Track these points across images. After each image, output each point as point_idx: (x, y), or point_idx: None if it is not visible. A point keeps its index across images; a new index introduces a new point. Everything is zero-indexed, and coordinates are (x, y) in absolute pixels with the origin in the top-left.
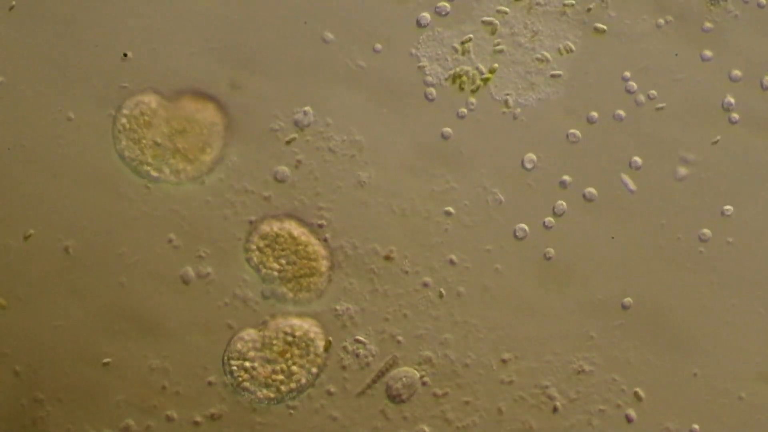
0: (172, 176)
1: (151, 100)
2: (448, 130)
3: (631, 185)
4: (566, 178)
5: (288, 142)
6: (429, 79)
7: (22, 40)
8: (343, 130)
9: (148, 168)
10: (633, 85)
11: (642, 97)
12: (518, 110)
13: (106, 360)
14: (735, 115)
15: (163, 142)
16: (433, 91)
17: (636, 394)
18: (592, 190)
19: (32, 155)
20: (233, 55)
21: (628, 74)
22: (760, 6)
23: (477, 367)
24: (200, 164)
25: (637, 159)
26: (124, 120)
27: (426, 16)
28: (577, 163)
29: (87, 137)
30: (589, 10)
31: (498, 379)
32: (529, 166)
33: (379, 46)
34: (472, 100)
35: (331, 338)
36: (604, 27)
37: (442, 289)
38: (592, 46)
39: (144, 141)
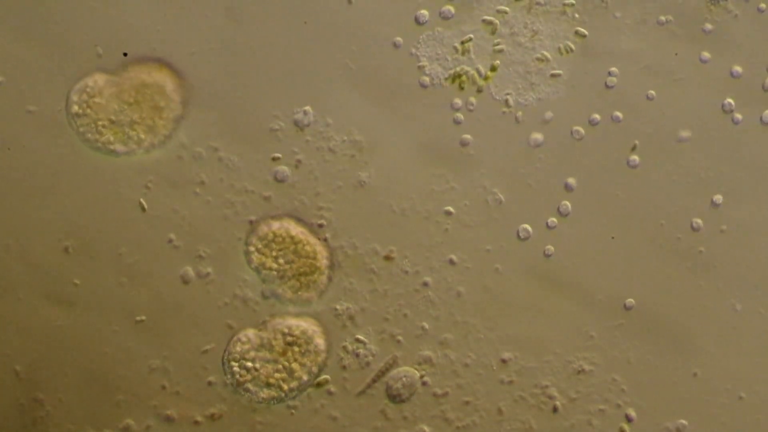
0: (137, 146)
1: (96, 79)
2: (447, 129)
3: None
4: (566, 177)
5: (274, 159)
6: (429, 79)
7: (22, 40)
8: (343, 130)
9: (113, 146)
10: (633, 85)
11: (641, 97)
12: (518, 111)
13: (106, 360)
14: (735, 116)
15: (118, 118)
16: (432, 90)
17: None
18: (591, 190)
19: (32, 155)
20: (233, 54)
21: (627, 74)
22: (760, 11)
23: (477, 367)
24: (161, 127)
25: (635, 158)
26: (75, 107)
27: (425, 13)
28: (577, 162)
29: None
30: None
31: (498, 379)
32: (533, 144)
33: (379, 46)
34: (472, 100)
35: (329, 377)
36: (585, 32)
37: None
38: (592, 45)
39: (100, 122)
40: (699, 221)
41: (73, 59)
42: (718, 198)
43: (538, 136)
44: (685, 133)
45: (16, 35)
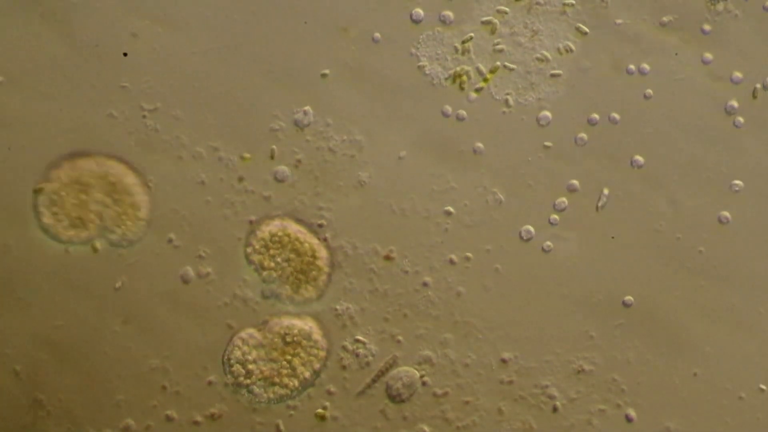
0: (119, 238)
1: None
2: (447, 129)
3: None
4: (566, 177)
5: (272, 157)
6: (429, 78)
7: (22, 40)
8: (343, 130)
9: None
10: (633, 84)
11: (642, 97)
12: (518, 110)
13: (105, 359)
14: (736, 116)
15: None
16: (432, 90)
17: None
18: (591, 190)
19: (32, 155)
20: (233, 54)
21: (627, 74)
22: (765, 9)
23: (477, 367)
24: (138, 221)
25: (639, 158)
26: (46, 219)
27: (419, 12)
28: (577, 162)
29: (86, 138)
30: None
31: (498, 379)
32: (543, 122)
33: (379, 46)
34: (472, 99)
35: (328, 405)
36: (586, 30)
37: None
38: (591, 45)
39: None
40: (698, 221)
41: (73, 59)
42: (718, 198)
43: (538, 136)
44: (684, 133)
45: (18, 34)
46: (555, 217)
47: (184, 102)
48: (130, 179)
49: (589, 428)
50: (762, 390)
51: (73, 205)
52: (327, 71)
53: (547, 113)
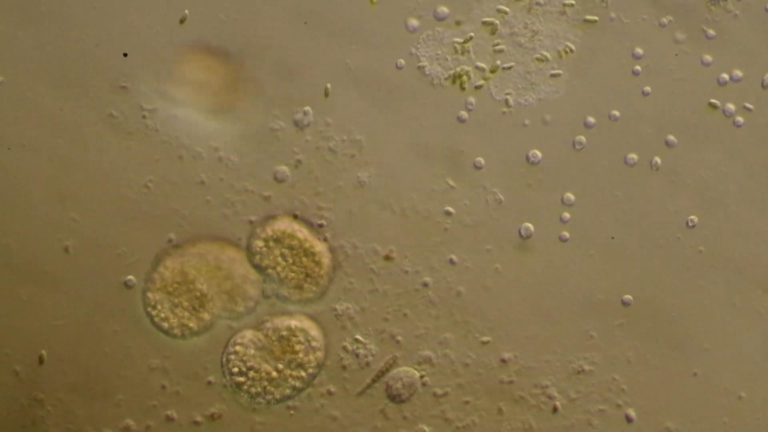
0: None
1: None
2: (448, 129)
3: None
4: (566, 177)
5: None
6: (429, 78)
7: (22, 40)
8: (343, 130)
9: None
10: (632, 84)
11: (641, 97)
12: (518, 110)
13: (105, 359)
14: (735, 116)
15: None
16: (432, 90)
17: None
18: (591, 190)
19: (32, 155)
20: (233, 55)
21: (627, 74)
22: (766, 10)
23: (477, 367)
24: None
25: (634, 156)
26: (153, 306)
27: (414, 23)
28: (576, 162)
29: (86, 137)
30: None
31: (498, 379)
32: (533, 160)
33: (379, 45)
34: (472, 99)
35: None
36: (596, 18)
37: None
38: (591, 45)
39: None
40: (698, 220)
41: (73, 59)
42: (718, 198)
43: (538, 136)
44: (683, 133)
45: (18, 34)
46: (556, 217)
47: (184, 102)
48: None
49: (589, 428)
50: (761, 391)
51: None
52: (326, 71)
53: (537, 152)
